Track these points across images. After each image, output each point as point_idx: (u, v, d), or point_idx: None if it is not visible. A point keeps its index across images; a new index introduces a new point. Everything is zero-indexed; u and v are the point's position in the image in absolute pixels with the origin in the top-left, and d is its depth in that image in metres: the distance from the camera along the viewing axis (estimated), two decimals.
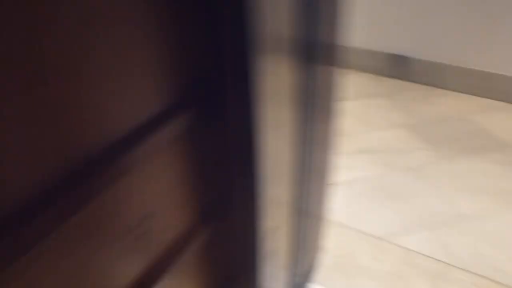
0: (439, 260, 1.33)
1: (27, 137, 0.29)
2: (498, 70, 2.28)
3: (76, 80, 0.31)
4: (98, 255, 0.37)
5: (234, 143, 0.48)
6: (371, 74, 2.55)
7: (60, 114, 0.30)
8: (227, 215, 0.57)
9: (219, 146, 0.51)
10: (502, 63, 2.26)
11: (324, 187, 0.84)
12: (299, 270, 0.90)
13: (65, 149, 0.32)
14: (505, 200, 1.59)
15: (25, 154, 0.29)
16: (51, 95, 0.29)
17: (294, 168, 0.63)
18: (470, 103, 2.30)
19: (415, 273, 1.28)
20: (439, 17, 2.34)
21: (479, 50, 2.27)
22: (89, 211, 0.35)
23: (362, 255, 1.33)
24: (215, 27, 0.42)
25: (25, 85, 0.27)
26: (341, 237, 1.40)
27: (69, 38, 0.29)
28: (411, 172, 1.69)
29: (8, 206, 0.29)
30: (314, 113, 0.63)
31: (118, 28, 0.33)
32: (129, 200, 0.40)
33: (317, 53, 0.57)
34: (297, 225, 0.74)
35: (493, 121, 2.13)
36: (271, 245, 0.60)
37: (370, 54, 2.52)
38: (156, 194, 0.44)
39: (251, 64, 0.40)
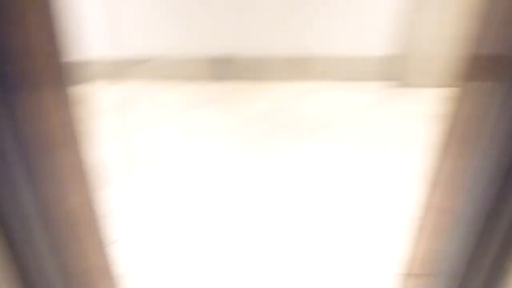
0: None
1: None
2: (312, 52, 2.44)
3: None
4: None
5: None
6: (197, 81, 2.59)
7: None
8: None
9: None
10: (315, 44, 2.42)
11: None
12: None
13: None
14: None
15: None
16: None
17: None
18: (295, 89, 2.45)
19: None
20: (253, 11, 2.43)
21: (293, 36, 2.40)
22: None
23: None
24: None
25: None
26: None
27: None
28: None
29: None
30: None
31: None
32: None
33: None
34: None
35: (308, 102, 2.31)
36: None
37: (190, 61, 2.58)
38: None
39: None
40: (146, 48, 2.54)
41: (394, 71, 2.54)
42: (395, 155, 1.85)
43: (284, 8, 2.37)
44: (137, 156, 1.87)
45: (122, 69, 2.58)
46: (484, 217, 0.67)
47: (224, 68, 2.56)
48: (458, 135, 0.71)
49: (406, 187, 1.60)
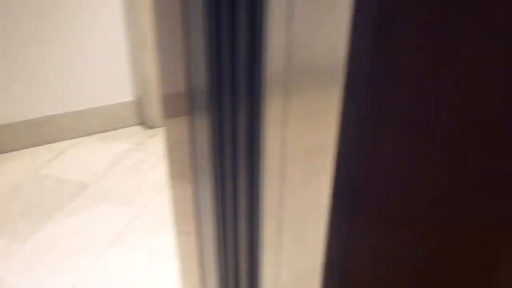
0: None
1: None
2: (38, 114, 2.30)
3: None
4: None
5: None
6: None
7: None
8: None
9: None
10: (54, 104, 2.32)
11: None
12: None
13: None
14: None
15: None
16: None
17: None
18: (38, 155, 2.26)
19: None
20: None
21: (17, 100, 2.23)
22: None
23: None
24: None
25: None
26: None
27: None
28: None
29: None
30: None
31: None
32: None
33: None
34: None
35: (65, 163, 2.17)
36: None
37: None
38: None
39: None
40: None
41: (138, 114, 2.64)
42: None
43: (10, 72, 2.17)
44: None
45: None
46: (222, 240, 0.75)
47: None
48: (179, 166, 0.79)
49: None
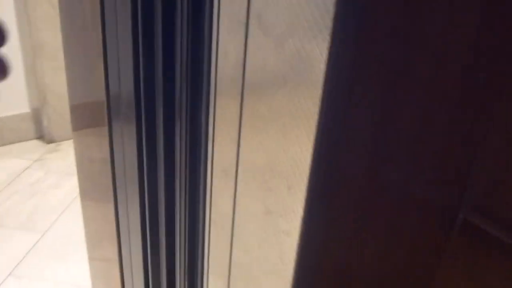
0: None
1: None
2: None
3: None
4: None
5: None
6: None
7: None
8: None
9: None
10: None
11: None
12: None
13: None
14: None
15: None
16: None
17: None
18: None
19: None
20: None
21: None
22: None
23: None
24: None
25: None
26: None
27: None
28: None
29: None
30: None
31: None
32: None
33: None
34: None
35: None
36: None
37: None
38: None
39: None
40: None
41: (36, 127, 2.40)
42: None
43: None
44: None
45: None
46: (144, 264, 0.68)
47: None
48: (92, 184, 0.71)
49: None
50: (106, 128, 0.61)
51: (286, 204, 0.34)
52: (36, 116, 2.35)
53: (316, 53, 0.28)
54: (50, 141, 2.38)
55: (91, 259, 0.88)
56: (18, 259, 1.53)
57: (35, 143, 2.33)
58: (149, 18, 0.46)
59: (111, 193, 0.67)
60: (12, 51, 2.14)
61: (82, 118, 0.70)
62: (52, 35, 2.16)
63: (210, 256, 0.48)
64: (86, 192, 0.78)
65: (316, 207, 0.33)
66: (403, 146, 0.36)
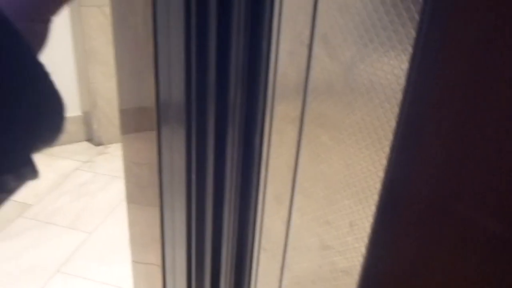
0: None
1: None
2: None
3: None
4: None
5: None
6: None
7: None
8: None
9: None
10: None
11: None
12: None
13: None
14: None
15: None
16: None
17: None
18: None
19: None
20: None
21: None
22: None
23: None
24: None
25: None
26: None
27: None
28: None
29: None
30: None
31: None
32: None
33: None
34: None
35: None
36: None
37: None
38: None
39: None
40: None
41: (86, 130, 2.48)
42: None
43: None
44: None
45: None
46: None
47: None
48: (139, 188, 0.70)
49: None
50: (154, 133, 0.60)
51: (346, 242, 0.31)
52: (87, 119, 2.43)
53: (392, 81, 0.25)
54: (98, 144, 2.44)
55: (134, 262, 0.88)
56: (65, 257, 1.57)
57: (85, 145, 2.40)
58: (203, 26, 0.44)
59: (157, 198, 0.66)
60: (66, 58, 2.22)
61: (131, 122, 0.70)
62: (103, 43, 2.23)
63: (257, 282, 0.46)
64: (132, 196, 0.78)
65: (379, 246, 0.30)
66: (473, 180, 0.32)
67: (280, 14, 0.33)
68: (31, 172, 0.24)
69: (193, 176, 0.54)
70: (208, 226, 0.56)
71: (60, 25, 2.17)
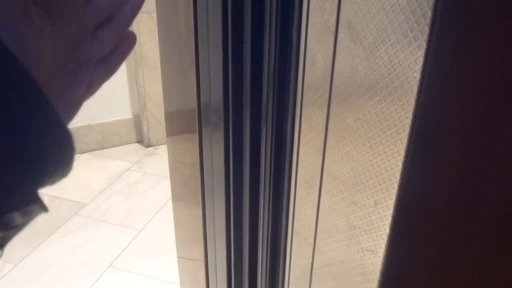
0: None
1: None
2: None
3: None
4: None
5: None
6: None
7: None
8: None
9: None
10: None
11: None
12: None
13: None
14: None
15: None
16: None
17: None
18: None
19: None
20: None
21: None
22: None
23: None
24: None
25: None
26: None
27: None
28: None
29: None
30: None
31: None
32: None
33: None
34: None
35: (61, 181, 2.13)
36: None
37: None
38: None
39: None
40: None
41: (136, 132, 2.59)
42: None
43: None
44: None
45: None
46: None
47: None
48: (183, 187, 0.74)
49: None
50: (196, 134, 0.63)
51: (371, 221, 0.32)
52: (137, 121, 2.54)
53: (410, 61, 0.26)
54: (148, 145, 2.54)
55: (180, 258, 0.91)
56: (117, 253, 1.65)
57: (135, 146, 2.51)
58: (238, 28, 0.46)
59: (199, 196, 0.69)
60: None
61: (175, 124, 0.74)
62: (153, 48, 2.32)
63: (291, 266, 0.48)
64: (178, 195, 0.81)
65: (403, 225, 0.31)
66: (500, 161, 0.32)
67: (308, 5, 0.35)
68: (39, 208, 0.23)
69: (231, 173, 0.56)
70: (245, 222, 0.58)
71: None
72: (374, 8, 0.28)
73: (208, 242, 0.72)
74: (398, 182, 0.29)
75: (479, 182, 0.31)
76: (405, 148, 0.28)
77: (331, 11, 0.32)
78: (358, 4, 0.30)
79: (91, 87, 0.28)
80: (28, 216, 0.23)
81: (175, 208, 0.85)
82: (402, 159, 0.28)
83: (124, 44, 0.29)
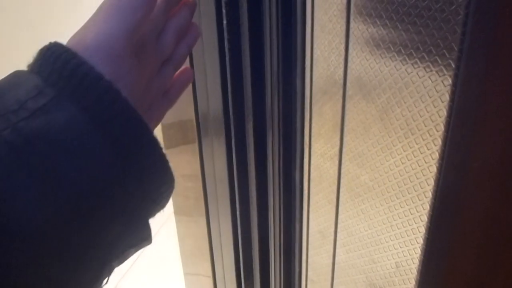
0: None
1: None
2: None
3: None
4: None
5: None
6: None
7: None
8: None
9: None
10: None
11: None
12: None
13: None
14: None
15: None
16: None
17: None
18: None
19: None
20: None
21: None
22: None
23: None
24: None
25: None
26: None
27: None
28: None
29: None
30: None
31: None
32: None
33: None
34: None
35: None
36: None
37: None
38: None
39: None
40: None
41: None
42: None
43: None
44: None
45: None
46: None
47: None
48: (187, 197, 0.72)
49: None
50: (196, 145, 0.61)
51: (393, 281, 0.31)
52: None
53: (429, 122, 0.25)
54: None
55: (186, 274, 0.89)
56: (121, 273, 1.63)
57: None
58: (235, 30, 0.43)
59: (203, 209, 0.67)
60: None
61: (174, 136, 0.72)
62: None
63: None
64: (180, 208, 0.79)
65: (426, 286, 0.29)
66: None
67: (312, 55, 0.33)
68: (148, 239, 0.25)
69: (236, 184, 0.54)
70: (254, 231, 0.55)
71: None
72: (386, 68, 0.27)
73: (215, 256, 0.70)
74: (421, 248, 0.28)
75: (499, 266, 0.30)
76: (427, 214, 0.26)
77: (337, 64, 0.31)
78: (368, 60, 0.28)
79: (158, 121, 0.31)
80: (139, 248, 0.25)
81: (177, 222, 0.83)
82: (425, 225, 0.27)
83: (182, 77, 0.31)
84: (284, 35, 0.37)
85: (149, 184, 0.23)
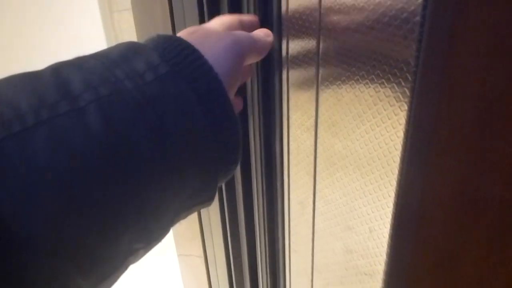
0: None
1: None
2: None
3: None
4: None
5: None
6: None
7: None
8: None
9: None
10: None
11: None
12: None
13: None
14: None
15: None
16: None
17: None
18: None
19: None
20: None
21: None
22: None
23: None
24: None
25: None
26: None
27: None
28: None
29: None
30: None
31: None
32: None
33: None
34: None
35: None
36: None
37: None
38: None
39: None
40: None
41: None
42: None
43: None
44: None
45: None
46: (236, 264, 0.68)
47: None
48: None
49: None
50: None
51: (367, 246, 0.32)
52: None
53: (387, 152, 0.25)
54: None
55: (180, 255, 0.91)
56: None
57: None
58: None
59: None
60: None
61: None
62: None
63: (292, 281, 0.47)
64: None
65: (400, 251, 0.30)
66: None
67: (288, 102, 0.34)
68: (212, 199, 0.30)
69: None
70: (241, 216, 0.56)
71: (93, 31, 2.24)
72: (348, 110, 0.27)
73: (205, 238, 0.72)
74: (392, 211, 0.28)
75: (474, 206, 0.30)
76: (396, 179, 0.27)
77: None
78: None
79: None
80: (202, 208, 0.30)
81: None
82: (395, 189, 0.27)
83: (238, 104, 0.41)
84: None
85: (226, 154, 0.28)
